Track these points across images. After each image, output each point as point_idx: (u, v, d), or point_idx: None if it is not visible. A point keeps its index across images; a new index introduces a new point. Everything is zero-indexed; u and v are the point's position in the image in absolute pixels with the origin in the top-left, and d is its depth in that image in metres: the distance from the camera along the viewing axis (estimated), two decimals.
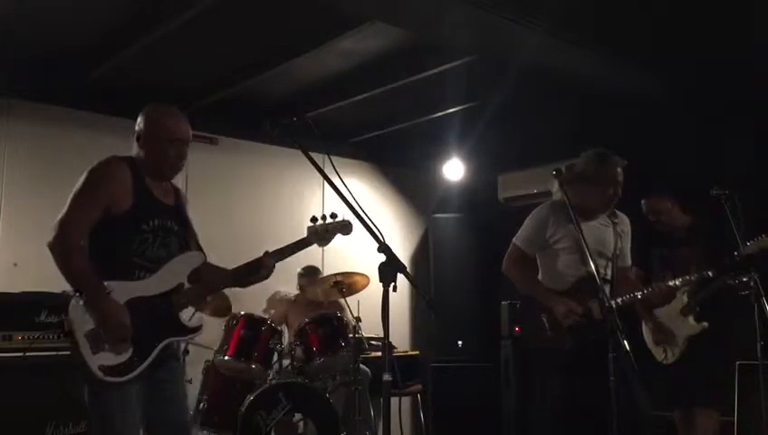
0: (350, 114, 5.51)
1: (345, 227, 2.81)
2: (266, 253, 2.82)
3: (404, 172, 6.84)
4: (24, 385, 3.63)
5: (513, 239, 3.54)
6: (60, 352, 3.81)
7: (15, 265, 4.50)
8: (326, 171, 2.60)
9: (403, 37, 4.24)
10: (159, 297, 2.61)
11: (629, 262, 3.61)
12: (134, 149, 2.73)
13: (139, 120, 2.75)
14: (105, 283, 2.50)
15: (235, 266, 2.82)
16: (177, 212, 2.79)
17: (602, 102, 4.94)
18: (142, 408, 2.56)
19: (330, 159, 2.54)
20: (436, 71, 4.58)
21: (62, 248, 2.48)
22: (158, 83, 4.97)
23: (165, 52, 4.36)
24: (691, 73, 4.55)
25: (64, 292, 3.85)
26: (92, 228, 2.54)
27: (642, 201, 4.15)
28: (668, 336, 3.95)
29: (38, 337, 3.76)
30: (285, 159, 5.56)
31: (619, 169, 3.43)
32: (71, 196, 2.54)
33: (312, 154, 2.58)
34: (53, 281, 3.90)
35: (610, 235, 3.46)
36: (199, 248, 2.87)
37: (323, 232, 2.81)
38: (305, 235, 2.84)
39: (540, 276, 3.53)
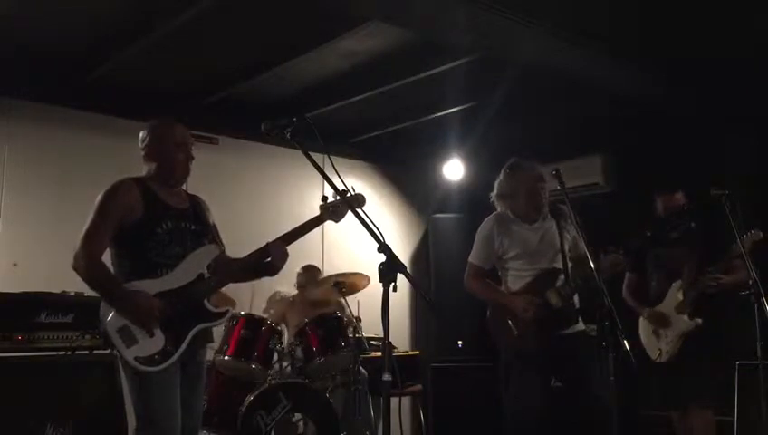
0: (350, 114, 5.51)
1: (357, 200, 2.84)
2: (271, 241, 2.95)
3: (404, 172, 6.84)
4: (24, 385, 3.62)
5: (469, 259, 3.70)
6: (60, 353, 3.82)
7: (15, 265, 4.50)
8: (326, 171, 2.60)
9: (403, 37, 4.24)
10: (182, 289, 2.80)
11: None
12: (144, 168, 2.96)
13: (143, 136, 2.98)
14: (132, 283, 2.72)
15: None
16: (193, 214, 2.98)
17: (602, 102, 4.94)
18: (180, 395, 2.76)
19: (330, 159, 2.54)
20: (436, 71, 4.58)
21: (82, 263, 2.69)
22: (158, 83, 4.98)
23: (165, 52, 4.36)
24: (691, 73, 4.55)
25: (64, 292, 3.90)
26: (116, 239, 2.78)
27: (655, 197, 4.13)
28: (665, 323, 3.95)
29: (38, 337, 3.76)
30: (286, 159, 5.55)
31: (533, 176, 3.55)
32: (88, 218, 2.76)
33: (312, 154, 2.57)
34: (53, 281, 3.96)
35: (554, 231, 3.53)
36: (218, 243, 3.04)
37: (336, 207, 2.93)
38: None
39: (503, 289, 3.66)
